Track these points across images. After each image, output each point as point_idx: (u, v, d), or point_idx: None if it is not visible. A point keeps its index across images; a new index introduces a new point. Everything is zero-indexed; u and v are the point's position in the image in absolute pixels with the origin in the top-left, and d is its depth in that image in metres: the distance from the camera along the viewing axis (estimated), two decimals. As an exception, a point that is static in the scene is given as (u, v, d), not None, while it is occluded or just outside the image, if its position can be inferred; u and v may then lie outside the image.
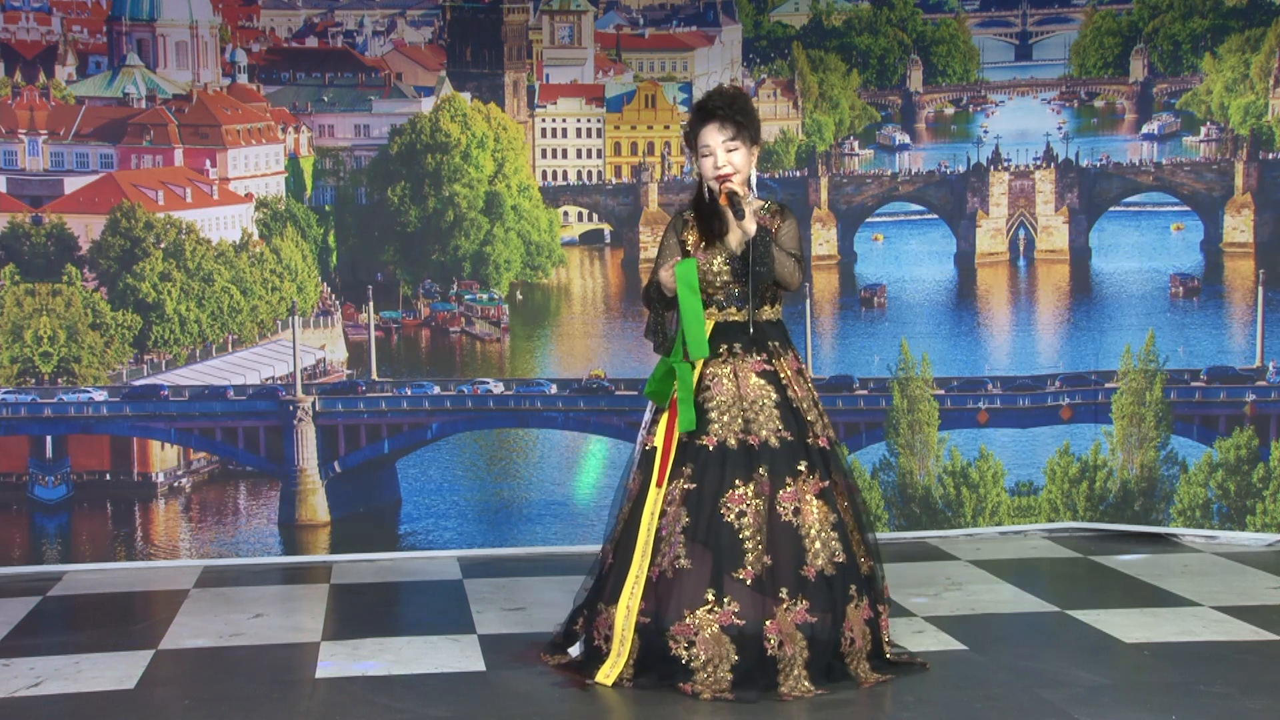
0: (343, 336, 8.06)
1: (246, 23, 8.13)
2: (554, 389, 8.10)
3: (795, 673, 5.20)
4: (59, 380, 7.77)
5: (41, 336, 7.71)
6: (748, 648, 5.20)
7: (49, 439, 7.79)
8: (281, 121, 8.06)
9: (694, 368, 5.49)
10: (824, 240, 8.31)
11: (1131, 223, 8.33)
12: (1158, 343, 8.12)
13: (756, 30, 8.41)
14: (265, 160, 8.03)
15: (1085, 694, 5.26)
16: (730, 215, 5.44)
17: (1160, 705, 5.13)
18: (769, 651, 5.19)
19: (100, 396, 7.79)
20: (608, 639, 5.40)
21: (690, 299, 5.44)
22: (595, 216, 8.35)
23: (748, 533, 5.28)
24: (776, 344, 5.55)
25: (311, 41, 8.20)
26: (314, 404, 7.92)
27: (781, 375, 5.50)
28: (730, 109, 5.46)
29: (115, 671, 5.70)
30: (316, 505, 7.93)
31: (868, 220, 8.39)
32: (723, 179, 5.45)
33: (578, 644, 5.57)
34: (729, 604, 5.23)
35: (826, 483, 5.41)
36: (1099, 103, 8.43)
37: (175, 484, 7.91)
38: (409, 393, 8.02)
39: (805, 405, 5.50)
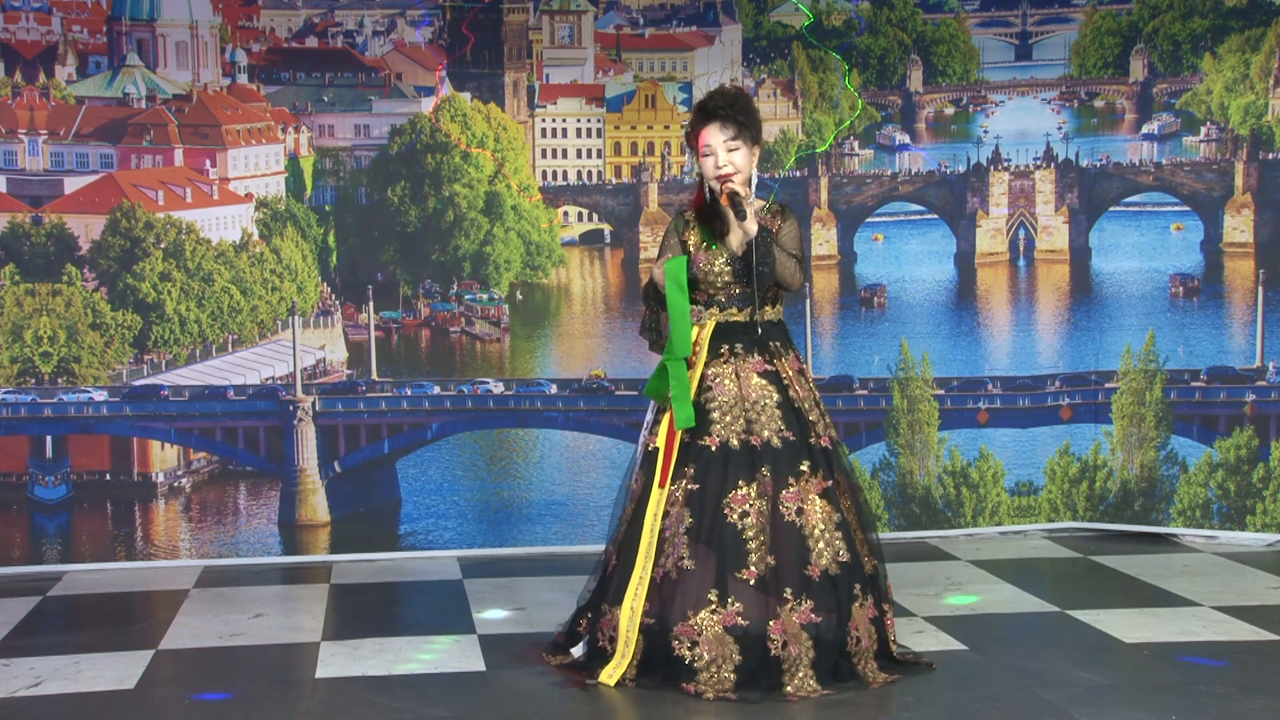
0: (343, 336, 8.06)
1: (246, 23, 8.13)
2: (554, 389, 8.10)
3: (801, 673, 5.20)
4: (59, 380, 7.77)
5: (41, 336, 7.71)
6: (751, 648, 5.20)
7: (49, 439, 7.79)
8: (281, 121, 8.06)
9: (690, 365, 5.49)
10: (824, 240, 8.31)
11: (1131, 223, 8.33)
12: (1158, 343, 8.12)
13: (756, 30, 8.41)
14: (265, 160, 8.03)
15: (1085, 694, 5.26)
16: (731, 215, 5.44)
17: (1160, 705, 5.13)
18: (773, 652, 5.19)
19: (100, 396, 7.79)
20: (612, 640, 5.40)
21: (677, 296, 5.45)
22: (595, 216, 8.35)
23: (751, 533, 5.29)
24: (778, 344, 5.55)
25: (311, 41, 8.20)
26: (314, 404, 7.92)
27: (783, 375, 5.50)
28: (732, 109, 5.46)
29: (115, 671, 5.70)
30: (316, 505, 7.93)
31: (868, 220, 8.39)
32: (724, 179, 5.45)
33: (581, 644, 5.58)
34: (732, 604, 5.23)
35: (829, 482, 5.41)
36: (1099, 103, 8.43)
37: (175, 484, 7.91)
38: (409, 393, 8.02)
39: (807, 405, 5.50)
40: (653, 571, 5.35)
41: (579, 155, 8.37)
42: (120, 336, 7.79)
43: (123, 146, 7.91)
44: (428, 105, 8.16)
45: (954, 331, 8.30)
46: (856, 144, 8.39)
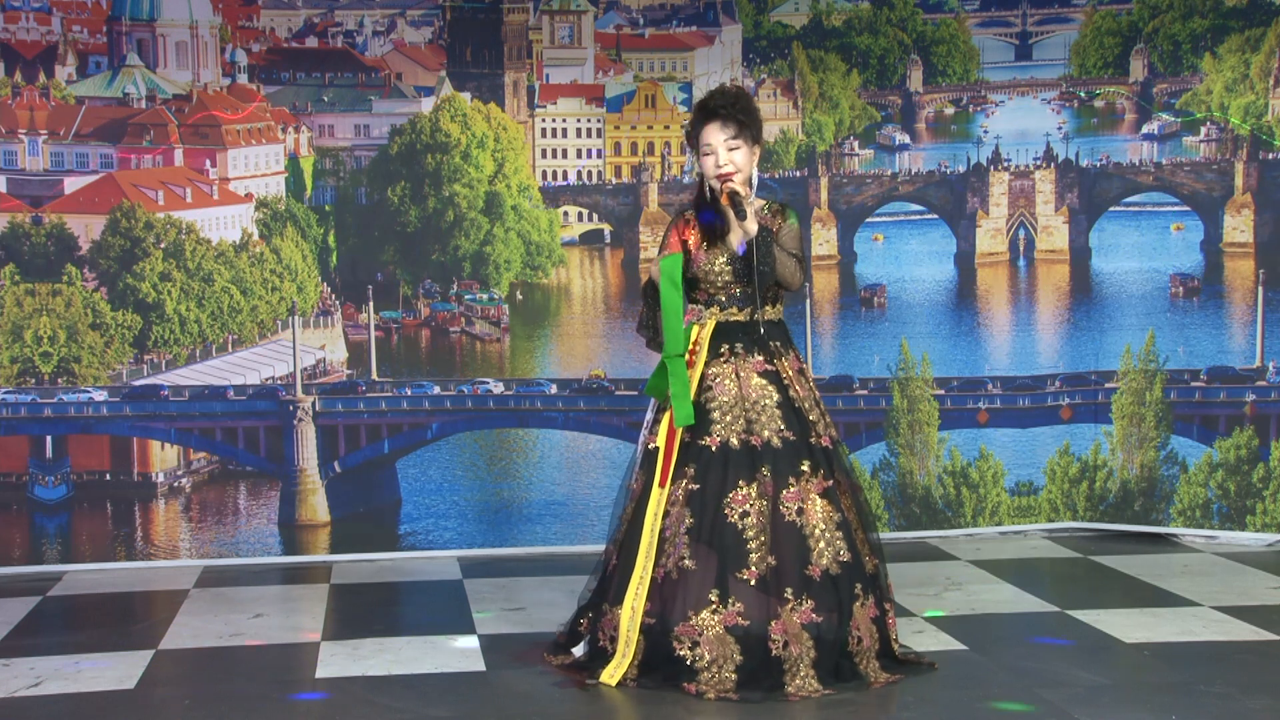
0: (343, 336, 8.06)
1: (246, 23, 8.13)
2: (554, 389, 8.10)
3: (802, 672, 5.20)
4: (59, 380, 7.77)
5: (41, 336, 7.71)
6: (752, 648, 5.20)
7: (49, 439, 7.79)
8: (281, 121, 8.06)
9: (690, 364, 5.48)
10: (824, 240, 8.31)
11: (1131, 223, 8.33)
12: (1158, 343, 8.12)
13: (756, 30, 8.41)
14: (265, 160, 8.03)
15: (1085, 694, 5.26)
16: (731, 215, 5.44)
17: (1160, 705, 5.13)
18: (774, 652, 5.19)
19: (100, 396, 7.79)
20: (613, 639, 5.40)
21: (670, 293, 5.45)
22: (595, 216, 8.35)
23: (751, 533, 5.28)
24: (778, 344, 5.55)
25: (311, 41, 8.20)
26: (314, 404, 7.92)
27: (783, 375, 5.50)
28: (732, 108, 5.46)
29: (115, 671, 5.70)
30: (316, 505, 7.93)
31: (868, 220, 8.39)
32: (724, 178, 5.45)
33: (582, 644, 5.57)
34: (733, 604, 5.23)
35: (830, 482, 5.41)
36: (1099, 103, 8.43)
37: (175, 484, 7.91)
38: (409, 393, 8.02)
39: (807, 405, 5.50)
40: (653, 571, 5.35)
41: (579, 155, 8.37)
42: (120, 336, 7.79)
43: (123, 146, 7.91)
44: (428, 105, 8.15)
45: (954, 331, 8.30)
46: (856, 144, 8.39)
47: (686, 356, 5.50)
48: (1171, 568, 7.33)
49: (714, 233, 5.49)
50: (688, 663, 5.23)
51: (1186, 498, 8.03)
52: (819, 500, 5.37)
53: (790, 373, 5.51)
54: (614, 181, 8.34)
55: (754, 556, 5.26)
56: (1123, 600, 6.70)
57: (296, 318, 7.97)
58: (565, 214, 8.30)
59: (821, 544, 5.32)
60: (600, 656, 5.43)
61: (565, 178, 8.34)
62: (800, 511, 5.33)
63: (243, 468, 7.92)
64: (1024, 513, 8.22)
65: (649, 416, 5.62)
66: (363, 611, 6.70)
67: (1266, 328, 8.02)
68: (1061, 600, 6.63)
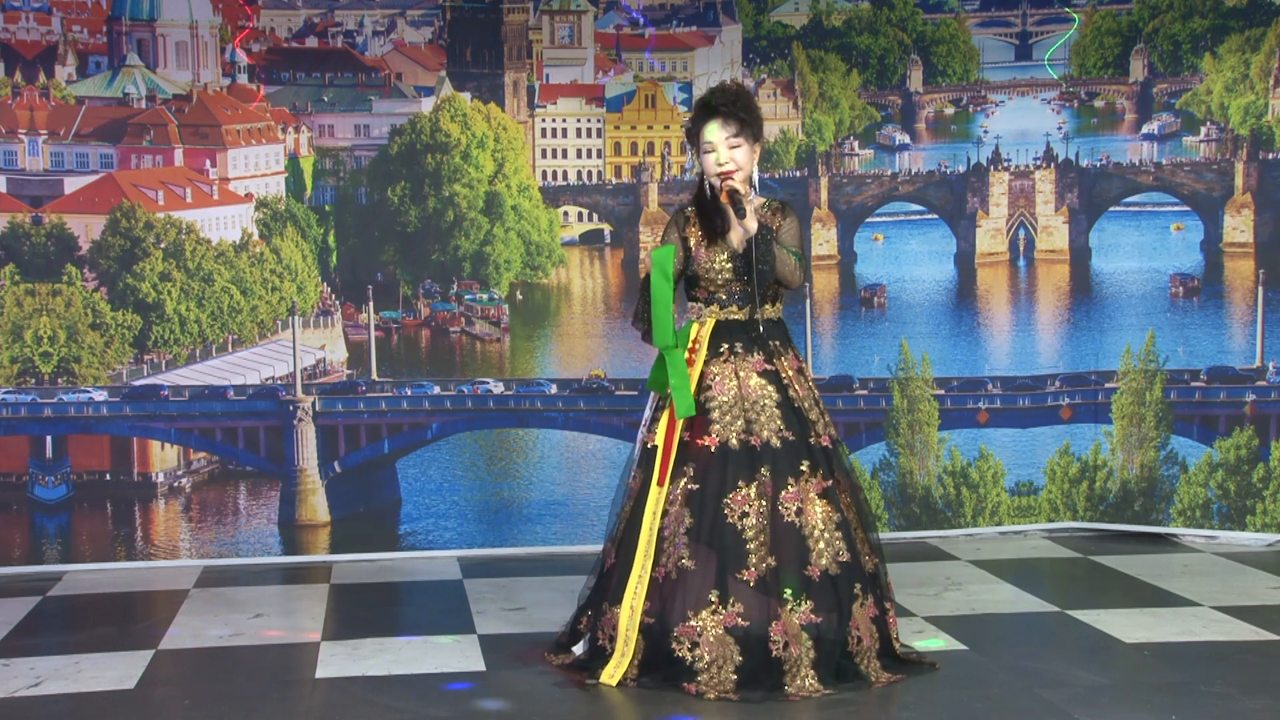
0: (343, 336, 8.06)
1: (246, 22, 8.13)
2: (554, 389, 8.10)
3: (802, 673, 5.19)
4: (59, 380, 7.77)
5: (41, 336, 7.71)
6: (752, 649, 5.19)
7: (49, 439, 7.79)
8: (281, 121, 8.06)
9: (689, 362, 5.48)
10: (824, 240, 8.31)
11: (1131, 223, 8.33)
12: (1158, 343, 8.12)
13: (756, 30, 8.41)
14: (265, 160, 8.03)
15: (1085, 694, 5.26)
16: (731, 213, 5.43)
17: (1160, 705, 5.13)
18: (774, 653, 5.19)
19: (100, 396, 7.79)
20: (612, 639, 5.40)
21: (661, 284, 5.44)
22: (595, 216, 8.35)
23: (751, 534, 5.28)
24: (777, 343, 5.55)
25: (311, 41, 8.20)
26: (314, 404, 7.92)
27: (782, 375, 5.49)
28: (734, 106, 5.45)
29: (115, 671, 5.70)
30: (316, 505, 7.93)
31: (868, 220, 8.39)
32: (724, 176, 5.44)
33: (582, 643, 5.57)
34: (733, 605, 5.23)
35: (829, 482, 5.41)
36: (1099, 103, 8.43)
37: (175, 484, 7.91)
38: (409, 393, 8.02)
39: (806, 404, 5.49)
40: (653, 571, 5.35)
41: (579, 155, 8.37)
42: (120, 336, 7.79)
43: (123, 146, 7.91)
44: (428, 105, 8.15)
45: (954, 331, 8.30)
46: (856, 144, 8.39)
47: (686, 355, 5.49)
48: (1171, 568, 7.33)
49: (716, 228, 5.49)
50: (687, 663, 5.23)
51: (1186, 498, 8.03)
52: (818, 501, 5.36)
53: (790, 372, 5.51)
54: (614, 181, 8.34)
55: (753, 558, 5.26)
56: (1123, 600, 6.70)
57: (296, 318, 7.97)
58: (565, 214, 8.30)
59: (821, 544, 5.32)
60: (600, 656, 5.43)
61: (565, 178, 8.34)
62: (799, 512, 5.33)
63: (243, 468, 7.92)
64: (1024, 513, 8.22)
65: (647, 414, 5.62)
66: (363, 611, 6.70)
67: (1266, 328, 8.02)
68: (1061, 600, 6.63)
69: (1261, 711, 5.06)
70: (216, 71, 8.02)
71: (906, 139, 8.44)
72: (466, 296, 8.16)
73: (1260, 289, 8.04)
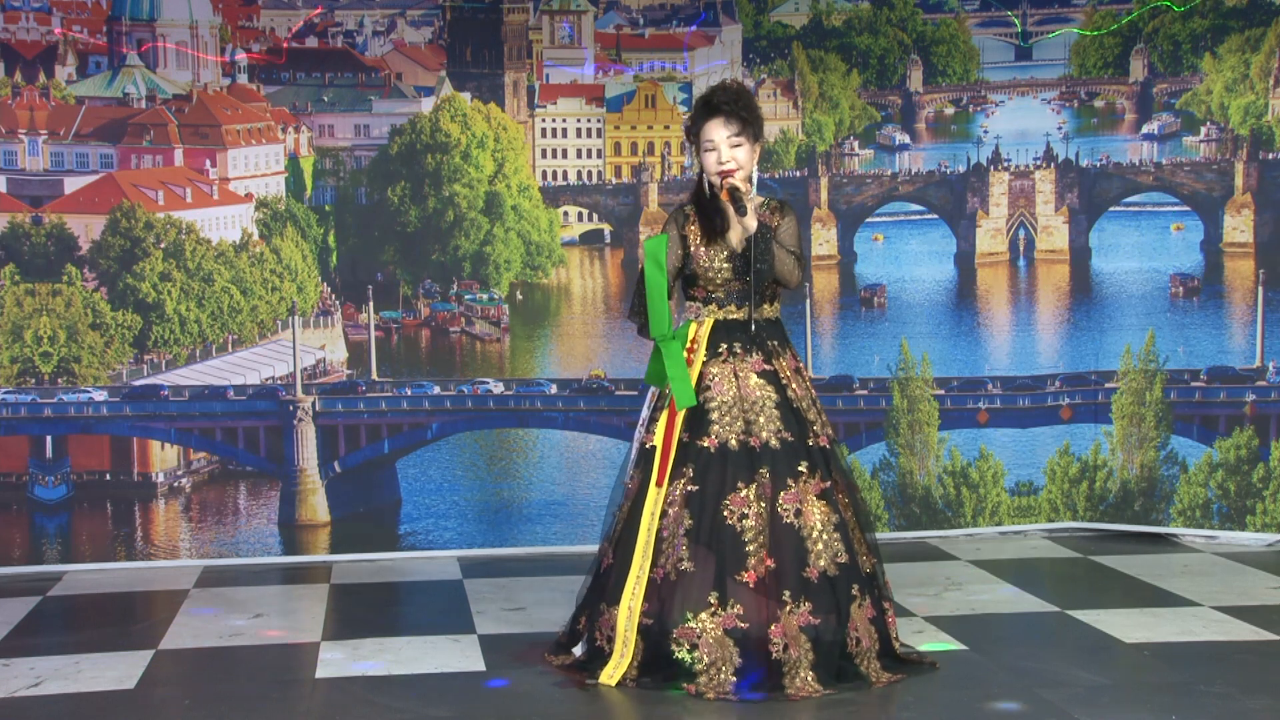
0: (343, 336, 8.06)
1: (246, 23, 8.13)
2: (554, 389, 8.10)
3: (801, 674, 5.19)
4: (59, 380, 7.77)
5: (41, 336, 7.71)
6: (752, 651, 5.19)
7: (49, 439, 7.79)
8: (281, 121, 8.06)
9: (688, 362, 5.47)
10: (824, 240, 8.31)
11: (1131, 223, 8.33)
12: (1158, 343, 8.12)
13: (756, 30, 8.41)
14: (265, 160, 8.03)
15: (1085, 694, 5.26)
16: (731, 211, 5.43)
17: (1160, 705, 5.13)
18: (774, 655, 5.18)
19: (100, 396, 7.79)
20: (610, 639, 5.39)
21: (655, 275, 5.44)
22: (595, 216, 8.35)
23: (750, 535, 5.28)
24: (776, 343, 5.54)
25: (311, 41, 8.20)
26: (314, 404, 7.92)
27: (781, 375, 5.49)
28: (736, 105, 5.45)
29: (115, 671, 5.70)
30: (316, 505, 7.93)
31: (868, 220, 8.39)
32: (725, 174, 5.44)
33: (581, 643, 5.57)
34: (732, 606, 5.22)
35: (828, 483, 5.41)
36: (1099, 103, 8.43)
37: (175, 484, 7.91)
38: (409, 393, 8.02)
39: (805, 405, 5.49)
40: (651, 572, 5.35)
41: (579, 155, 8.37)
42: (120, 336, 7.79)
43: (123, 146, 7.91)
44: (428, 105, 8.16)
45: (954, 331, 8.29)
46: (856, 144, 8.39)
47: (685, 356, 5.49)
48: (1171, 568, 7.33)
49: (715, 226, 5.48)
50: (686, 665, 5.23)
51: (1186, 498, 8.03)
52: (817, 502, 5.36)
53: (788, 372, 5.51)
54: (614, 181, 8.35)
55: (752, 559, 5.26)
56: (1123, 600, 6.70)
57: (296, 318, 7.97)
58: (565, 214, 8.30)
59: (819, 546, 5.31)
60: (599, 656, 5.43)
61: (565, 178, 8.34)
62: (798, 513, 5.33)
63: (243, 468, 7.92)
64: (1024, 513, 8.22)
65: (645, 414, 5.60)
66: (363, 611, 6.70)
67: (1266, 328, 8.02)
68: (1061, 600, 6.63)
69: (1261, 711, 5.06)
70: (216, 71, 8.02)
71: (906, 139, 8.44)
72: (466, 296, 8.16)
73: (1260, 289, 8.04)
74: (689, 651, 5.23)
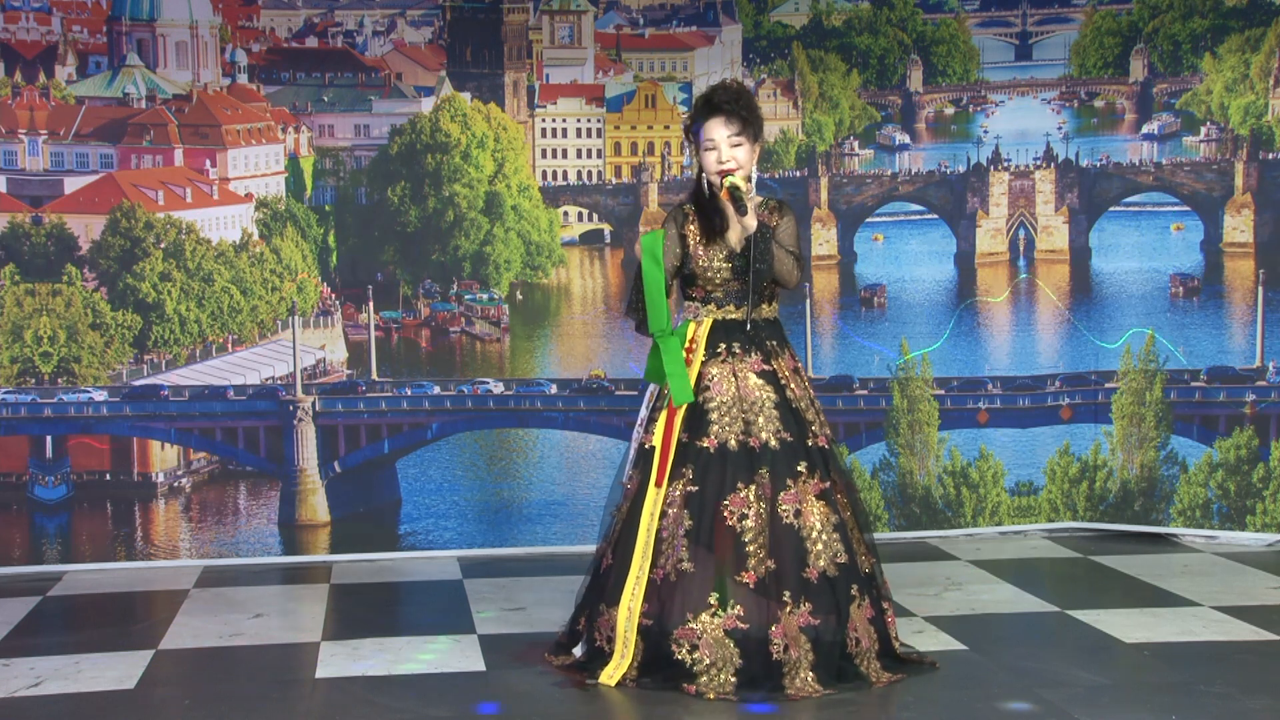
0: (343, 336, 8.06)
1: (246, 23, 8.13)
2: (554, 389, 8.10)
3: (801, 674, 5.19)
4: (59, 380, 7.77)
5: (41, 336, 7.71)
6: (752, 652, 5.19)
7: (49, 439, 7.79)
8: (281, 121, 8.06)
9: (687, 362, 5.47)
10: (824, 240, 8.31)
11: (1131, 223, 8.33)
12: (1158, 343, 8.12)
13: (756, 30, 8.41)
14: (265, 160, 8.03)
15: (1085, 694, 5.26)
16: (731, 210, 5.42)
17: (1160, 705, 5.13)
18: (775, 656, 5.18)
19: (100, 396, 7.79)
20: (610, 640, 5.39)
21: (653, 270, 5.43)
22: (595, 216, 8.35)
23: (750, 536, 5.28)
24: (774, 343, 5.54)
25: (311, 41, 8.20)
26: (314, 404, 7.92)
27: (780, 375, 5.49)
28: (737, 104, 5.44)
29: (115, 671, 5.70)
30: (316, 505, 7.93)
31: (868, 220, 8.39)
32: (725, 174, 5.43)
33: (581, 644, 5.57)
34: (733, 608, 5.22)
35: (827, 484, 5.41)
36: (1099, 103, 8.43)
37: (175, 484, 7.91)
38: (409, 393, 8.02)
39: (803, 405, 5.49)
40: (650, 573, 5.34)
41: (579, 155, 8.37)
42: (120, 336, 7.79)
43: (123, 146, 7.91)
44: (428, 105, 8.16)
45: (954, 331, 8.29)
46: (856, 144, 8.39)
47: (684, 355, 5.49)
48: (1171, 568, 7.33)
49: (715, 225, 5.48)
50: (687, 666, 5.23)
51: (1186, 498, 8.03)
52: (816, 502, 5.36)
53: (786, 372, 5.50)
54: (614, 181, 8.35)
55: (752, 560, 5.25)
56: (1123, 600, 6.70)
57: (296, 318, 7.97)
58: (565, 214, 8.30)
59: (819, 546, 5.31)
60: (599, 656, 5.43)
61: (565, 178, 8.34)
62: (798, 514, 5.33)
63: (243, 468, 7.92)
64: (1024, 513, 8.22)
65: (643, 414, 5.59)
66: (363, 611, 6.70)
67: (1266, 328, 8.02)
68: (1061, 600, 6.63)
69: (1261, 711, 5.06)
70: (216, 71, 8.02)
71: (906, 139, 8.44)
72: (466, 296, 8.16)
73: (1260, 289, 8.04)
74: (689, 652, 5.23)
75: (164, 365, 7.89)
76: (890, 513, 8.13)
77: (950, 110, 8.49)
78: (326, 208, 8.09)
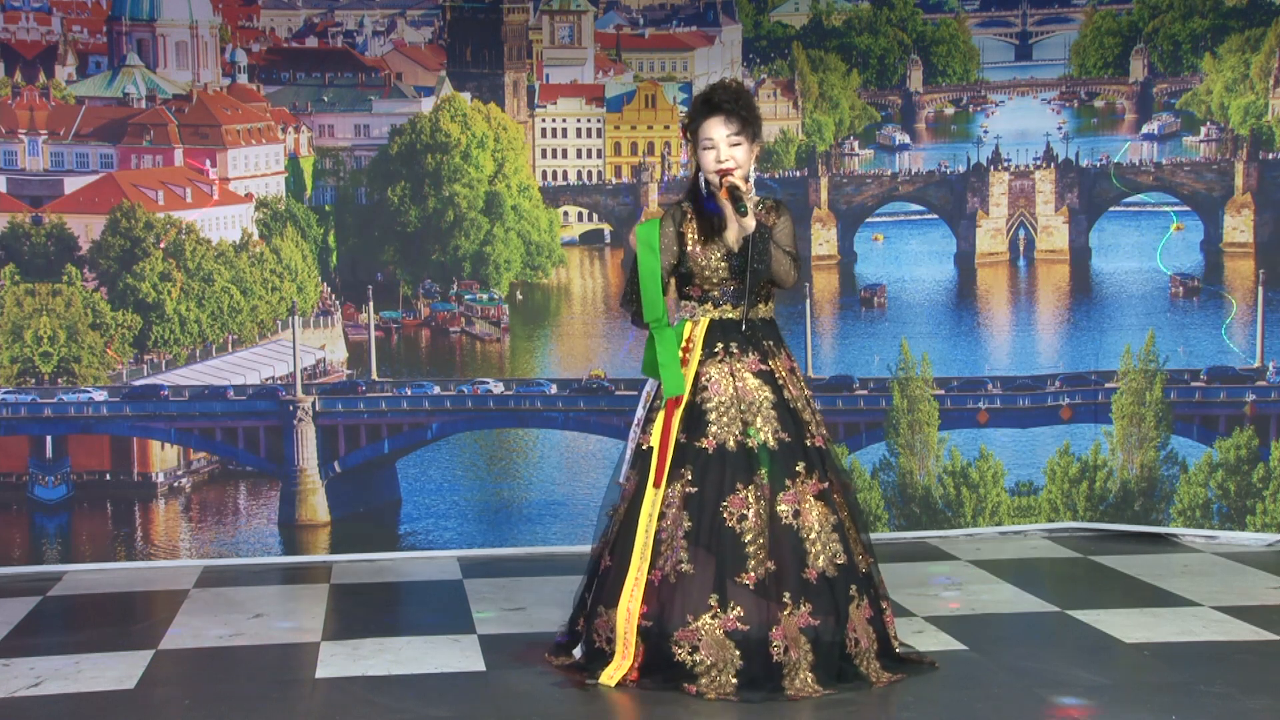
0: (343, 336, 8.06)
1: (246, 23, 8.13)
2: (554, 389, 8.10)
3: (801, 674, 5.19)
4: (59, 380, 7.77)
5: (41, 336, 7.71)
6: (753, 653, 5.19)
7: (49, 439, 7.79)
8: (281, 121, 8.06)
9: (684, 362, 5.46)
10: (824, 240, 8.31)
11: (1131, 223, 8.33)
12: (1158, 343, 8.12)
13: (756, 30, 8.41)
14: (265, 160, 8.03)
15: (1085, 694, 5.25)
16: (729, 210, 5.42)
17: (1160, 705, 5.13)
18: (775, 658, 5.18)
19: (100, 396, 7.79)
20: (609, 641, 5.39)
21: (649, 259, 5.42)
22: (595, 216, 8.35)
23: (749, 536, 5.28)
24: (771, 343, 5.53)
25: (311, 41, 8.20)
26: (314, 404, 7.92)
27: (777, 375, 5.48)
28: (736, 104, 5.44)
29: (115, 671, 5.70)
30: (316, 505, 7.93)
31: (868, 220, 8.39)
32: (724, 173, 5.43)
33: (580, 646, 5.56)
34: (733, 609, 5.22)
35: (825, 484, 5.41)
36: (1099, 103, 8.43)
37: (175, 484, 7.91)
38: (409, 393, 8.02)
39: (800, 405, 5.48)
40: (649, 574, 5.34)
41: (579, 155, 8.37)
42: (120, 336, 7.79)
43: (123, 146, 7.91)
44: (428, 105, 8.16)
45: (954, 331, 8.29)
46: (856, 144, 8.39)
47: (681, 355, 5.48)
48: (1171, 568, 7.33)
49: (713, 225, 5.47)
50: (688, 667, 5.22)
51: (1186, 498, 8.03)
52: (815, 503, 5.36)
53: (783, 372, 5.50)
54: (614, 181, 8.35)
55: (752, 561, 5.25)
56: (1123, 600, 6.70)
57: (296, 318, 7.97)
58: (565, 214, 8.30)
59: (818, 546, 5.31)
60: (599, 657, 5.43)
61: (565, 178, 8.34)
62: (796, 514, 5.32)
63: (243, 468, 7.92)
64: (1024, 513, 8.22)
65: (640, 414, 5.58)
66: (363, 611, 6.70)
67: (1266, 328, 8.02)
68: (1061, 600, 6.63)
69: (1261, 711, 5.06)
70: (216, 71, 8.02)
71: (906, 139, 8.44)
72: (466, 296, 8.16)
73: (1260, 289, 8.04)
74: (690, 654, 5.23)
75: (164, 365, 7.89)
76: (890, 513, 8.13)
77: (950, 110, 8.49)
78: (326, 208, 8.09)
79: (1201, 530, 7.99)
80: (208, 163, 7.95)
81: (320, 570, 7.61)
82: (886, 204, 8.40)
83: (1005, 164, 8.37)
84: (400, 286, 8.11)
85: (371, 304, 8.06)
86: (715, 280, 5.50)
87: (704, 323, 5.52)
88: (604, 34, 8.36)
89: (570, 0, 8.29)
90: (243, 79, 8.05)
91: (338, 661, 5.81)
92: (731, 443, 5.38)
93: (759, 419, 5.39)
